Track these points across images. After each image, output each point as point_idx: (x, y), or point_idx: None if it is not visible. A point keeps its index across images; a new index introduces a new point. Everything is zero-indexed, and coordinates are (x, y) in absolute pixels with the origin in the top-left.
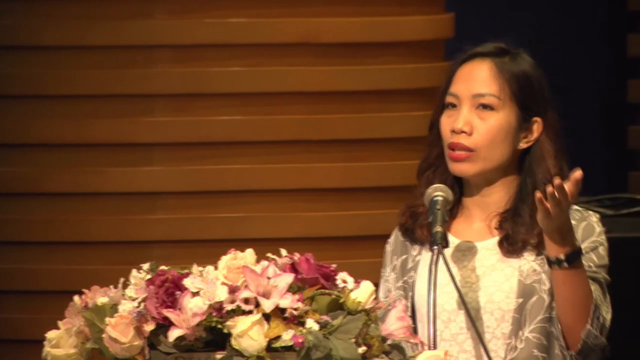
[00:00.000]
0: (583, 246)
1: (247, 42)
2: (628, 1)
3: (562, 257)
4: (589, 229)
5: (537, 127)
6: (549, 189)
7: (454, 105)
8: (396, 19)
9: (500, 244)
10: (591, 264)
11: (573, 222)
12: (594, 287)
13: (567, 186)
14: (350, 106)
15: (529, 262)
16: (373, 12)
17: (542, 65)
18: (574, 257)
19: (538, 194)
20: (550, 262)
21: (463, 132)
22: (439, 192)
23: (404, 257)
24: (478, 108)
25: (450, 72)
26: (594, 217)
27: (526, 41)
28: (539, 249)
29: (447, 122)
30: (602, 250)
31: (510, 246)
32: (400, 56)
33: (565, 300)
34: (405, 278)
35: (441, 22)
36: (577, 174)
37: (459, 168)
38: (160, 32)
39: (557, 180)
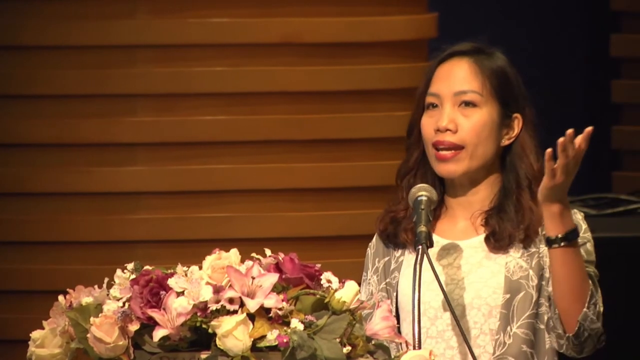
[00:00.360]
0: None
1: (230, 42)
2: (611, 1)
3: (561, 235)
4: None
5: (517, 123)
6: (560, 140)
7: (435, 105)
8: (379, 19)
9: (487, 240)
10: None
11: None
12: None
13: (578, 141)
14: (333, 106)
15: (515, 259)
16: (356, 12)
17: (525, 65)
18: (573, 235)
19: (548, 151)
20: (549, 242)
21: (448, 130)
22: (423, 191)
23: (387, 258)
24: (460, 106)
25: (428, 73)
26: (579, 215)
27: (509, 41)
28: (525, 243)
29: (429, 122)
30: (590, 247)
31: (497, 242)
32: (383, 56)
33: (563, 282)
34: (388, 279)
35: (424, 22)
36: (589, 128)
37: (446, 169)
38: (143, 32)
39: (569, 131)
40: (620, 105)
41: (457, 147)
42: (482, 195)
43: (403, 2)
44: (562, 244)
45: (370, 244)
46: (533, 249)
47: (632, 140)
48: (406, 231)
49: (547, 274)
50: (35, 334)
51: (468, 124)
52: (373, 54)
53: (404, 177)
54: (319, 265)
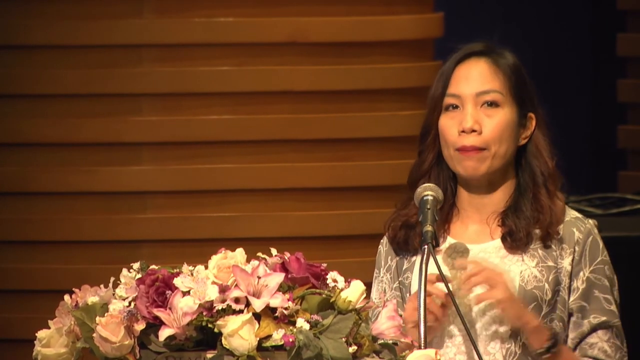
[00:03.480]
0: (591, 269)
1: (235, 41)
2: (617, 1)
3: (544, 348)
4: (595, 245)
5: (531, 122)
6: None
7: (455, 107)
8: (385, 19)
9: (504, 240)
10: (604, 303)
11: (578, 234)
12: (602, 338)
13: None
14: (338, 105)
15: (529, 267)
16: (362, 11)
17: (531, 64)
18: (554, 345)
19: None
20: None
21: (474, 130)
22: (428, 191)
23: (399, 257)
24: (483, 106)
25: (444, 74)
26: (595, 229)
27: (515, 41)
28: (545, 241)
29: (450, 124)
30: (608, 270)
31: (515, 242)
32: (389, 55)
33: None
34: (401, 279)
35: (430, 22)
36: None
37: (471, 166)
38: (149, 32)
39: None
40: (626, 105)
41: (481, 149)
42: (497, 197)
43: (409, 1)
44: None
45: (382, 241)
46: (550, 263)
47: (637, 139)
48: (419, 236)
49: (563, 293)
50: (41, 334)
51: (491, 124)
52: (379, 53)
53: (417, 182)
54: (324, 265)
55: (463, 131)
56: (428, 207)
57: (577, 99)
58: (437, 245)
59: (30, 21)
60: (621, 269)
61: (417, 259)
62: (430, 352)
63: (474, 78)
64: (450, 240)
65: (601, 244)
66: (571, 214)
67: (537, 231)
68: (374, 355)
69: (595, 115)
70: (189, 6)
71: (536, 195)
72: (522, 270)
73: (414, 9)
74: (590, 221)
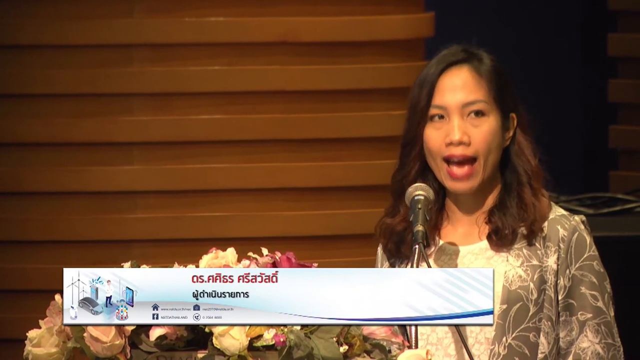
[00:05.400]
0: (577, 266)
1: (226, 41)
2: (608, 1)
3: None
4: (581, 241)
5: (513, 122)
6: None
7: (441, 117)
8: (376, 18)
9: (489, 238)
10: (591, 300)
11: (563, 231)
12: (593, 341)
13: None
14: (329, 105)
15: (514, 267)
16: (353, 11)
17: (522, 65)
18: None
19: None
20: None
21: (462, 142)
22: (420, 191)
23: (393, 260)
24: (469, 116)
25: (427, 84)
26: (582, 225)
27: (506, 41)
28: (529, 240)
29: (436, 135)
30: (596, 266)
31: (500, 240)
32: (380, 55)
33: None
34: None
35: (421, 22)
36: None
37: (462, 187)
38: (139, 31)
39: None
40: (617, 105)
41: (471, 160)
42: (484, 199)
43: (400, 1)
44: None
45: (381, 242)
46: (535, 261)
47: (628, 139)
48: (406, 244)
49: (549, 292)
50: (32, 333)
51: (479, 134)
52: (370, 53)
53: (401, 192)
54: (316, 264)
55: (451, 143)
56: (419, 206)
57: (568, 99)
58: (428, 244)
59: (21, 21)
60: (612, 269)
61: (409, 261)
62: (422, 351)
63: (459, 88)
64: (440, 243)
65: (588, 240)
66: (557, 211)
67: (523, 229)
68: (365, 354)
69: (587, 115)
70: (179, 6)
71: (520, 194)
72: (506, 270)
73: (405, 8)
74: (577, 217)
